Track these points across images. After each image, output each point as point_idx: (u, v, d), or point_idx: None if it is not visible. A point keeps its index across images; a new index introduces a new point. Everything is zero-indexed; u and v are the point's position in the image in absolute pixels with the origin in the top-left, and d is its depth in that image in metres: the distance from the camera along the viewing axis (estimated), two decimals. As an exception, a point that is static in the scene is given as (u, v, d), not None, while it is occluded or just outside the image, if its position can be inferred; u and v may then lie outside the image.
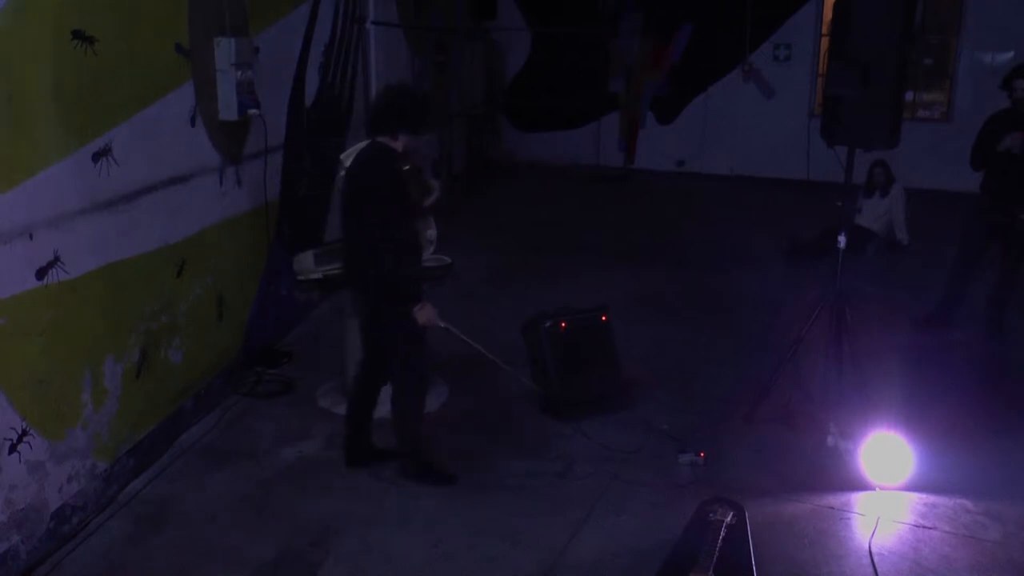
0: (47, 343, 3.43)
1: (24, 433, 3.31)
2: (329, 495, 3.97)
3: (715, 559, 3.05)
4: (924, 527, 3.74)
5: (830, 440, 4.30)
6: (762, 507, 3.81)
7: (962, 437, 4.33)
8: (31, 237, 3.31)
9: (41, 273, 3.38)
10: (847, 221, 4.60)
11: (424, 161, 4.28)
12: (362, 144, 3.94)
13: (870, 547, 3.60)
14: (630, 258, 7.75)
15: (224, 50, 4.60)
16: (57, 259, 3.46)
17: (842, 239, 4.45)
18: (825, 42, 9.71)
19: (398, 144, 3.74)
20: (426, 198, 3.91)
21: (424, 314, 3.75)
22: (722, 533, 3.19)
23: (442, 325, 3.93)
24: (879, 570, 3.45)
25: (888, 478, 4.00)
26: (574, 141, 12.18)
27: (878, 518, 3.79)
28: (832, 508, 3.88)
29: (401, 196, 3.70)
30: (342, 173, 4.11)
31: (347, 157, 4.19)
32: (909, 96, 10.30)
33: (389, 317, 3.82)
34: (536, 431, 4.56)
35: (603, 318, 4.91)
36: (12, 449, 3.26)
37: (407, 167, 3.72)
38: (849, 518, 3.82)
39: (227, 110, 4.68)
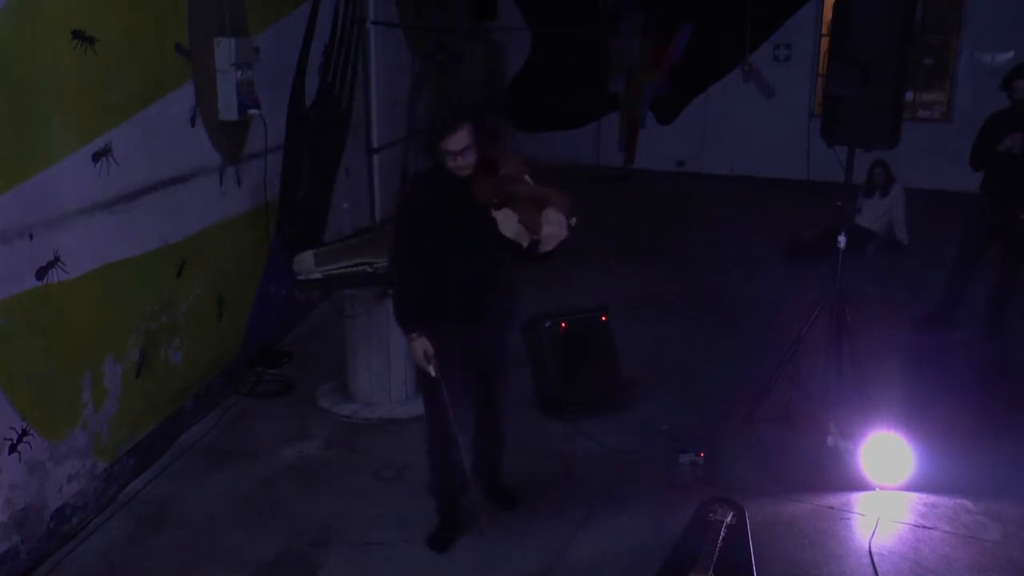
0: (47, 343, 3.43)
1: (24, 433, 3.31)
2: (329, 495, 3.97)
3: (715, 559, 3.05)
4: (924, 527, 3.74)
5: (830, 440, 4.29)
6: (762, 507, 3.81)
7: (962, 437, 4.32)
8: (31, 237, 3.31)
9: (41, 273, 3.38)
10: (847, 221, 4.60)
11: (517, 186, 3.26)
12: None
13: (870, 547, 3.60)
14: (630, 258, 7.74)
15: (224, 50, 4.60)
16: (57, 259, 3.46)
17: (842, 239, 4.44)
18: (825, 42, 9.71)
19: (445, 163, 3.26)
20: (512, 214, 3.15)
21: (412, 348, 3.36)
22: (722, 533, 3.19)
23: (432, 373, 3.36)
24: (879, 570, 3.45)
25: (888, 478, 4.00)
26: (574, 141, 12.17)
27: (878, 518, 3.79)
28: (832, 508, 3.88)
29: (410, 215, 3.42)
30: None
31: None
32: (909, 96, 10.30)
33: None
34: (536, 431, 4.56)
35: (603, 318, 4.91)
36: (12, 449, 3.26)
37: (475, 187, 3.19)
38: (849, 518, 3.82)
39: (227, 110, 4.68)
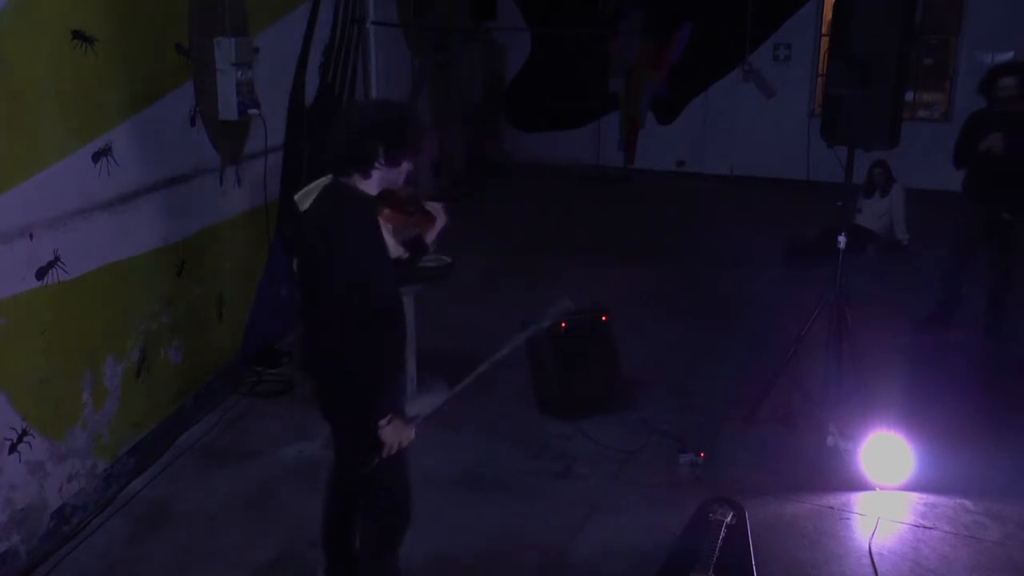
0: (47, 343, 3.43)
1: (24, 433, 3.31)
2: (329, 495, 3.96)
3: (715, 559, 3.05)
4: (924, 527, 3.74)
5: (830, 440, 4.30)
6: (762, 507, 3.81)
7: (962, 437, 4.33)
8: (31, 237, 3.31)
9: (41, 273, 3.38)
10: (847, 221, 4.60)
11: (409, 193, 2.96)
12: (322, 182, 2.78)
13: (870, 547, 3.60)
14: (630, 258, 7.75)
15: (224, 50, 4.60)
16: (57, 259, 3.46)
17: (842, 239, 4.45)
18: (825, 42, 9.70)
19: (370, 184, 2.71)
20: (421, 238, 3.02)
21: (392, 434, 2.69)
22: (722, 533, 3.19)
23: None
24: (879, 570, 3.45)
25: (888, 478, 4.00)
26: (574, 141, 12.17)
27: (878, 518, 3.79)
28: (832, 508, 3.88)
29: (378, 249, 2.71)
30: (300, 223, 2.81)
31: (304, 198, 2.78)
32: (909, 96, 10.29)
33: (354, 432, 2.84)
34: (536, 431, 4.56)
35: (603, 318, 4.91)
36: (12, 449, 3.26)
37: (388, 208, 2.82)
38: (849, 518, 3.82)
39: (227, 110, 4.69)
